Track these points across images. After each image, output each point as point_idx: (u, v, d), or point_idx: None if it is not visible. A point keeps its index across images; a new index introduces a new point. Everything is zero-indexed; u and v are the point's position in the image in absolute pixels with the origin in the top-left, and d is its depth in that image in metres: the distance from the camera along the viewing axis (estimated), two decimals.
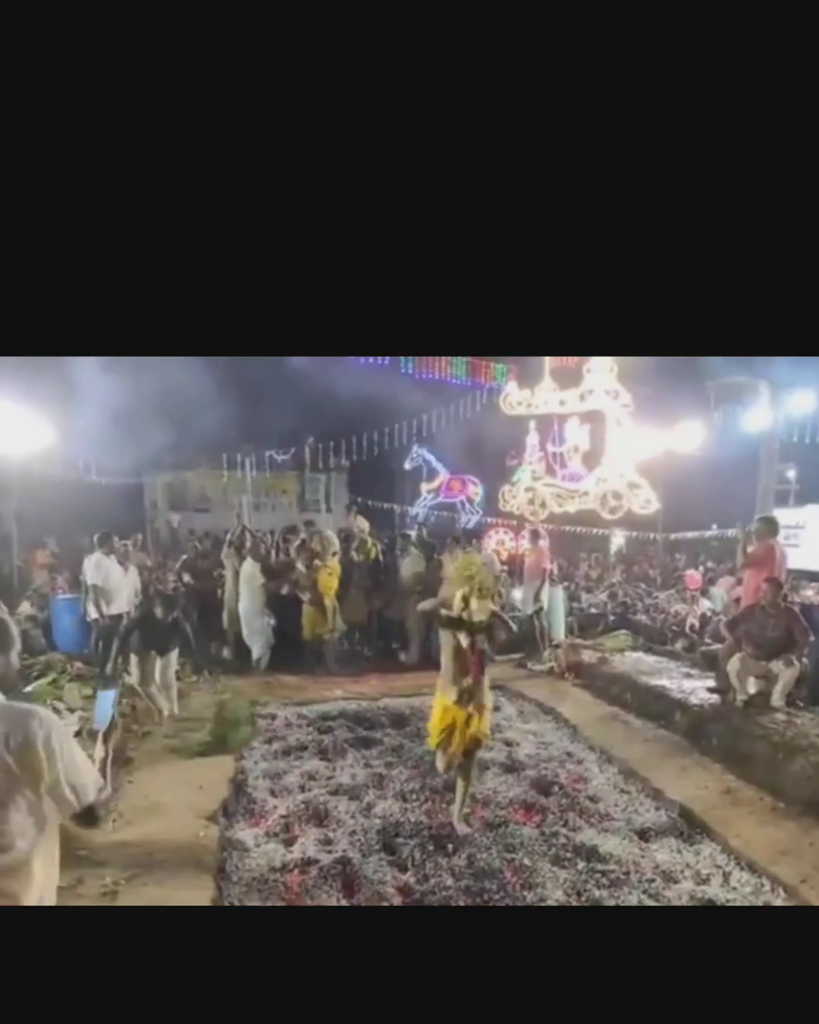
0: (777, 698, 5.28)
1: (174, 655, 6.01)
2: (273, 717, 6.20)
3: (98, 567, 6.80)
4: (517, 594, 8.90)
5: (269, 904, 3.29)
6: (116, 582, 6.93)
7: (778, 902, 3.29)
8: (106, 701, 2.24)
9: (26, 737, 1.57)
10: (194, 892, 3.24)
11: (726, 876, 3.54)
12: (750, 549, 5.91)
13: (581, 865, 3.63)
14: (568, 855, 3.72)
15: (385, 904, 3.30)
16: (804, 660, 5.41)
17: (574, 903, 3.28)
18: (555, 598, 8.49)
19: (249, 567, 7.75)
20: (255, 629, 7.78)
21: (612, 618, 9.12)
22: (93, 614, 6.86)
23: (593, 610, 9.54)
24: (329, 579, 7.71)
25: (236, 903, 3.30)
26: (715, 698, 5.73)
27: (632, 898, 3.31)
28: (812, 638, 5.37)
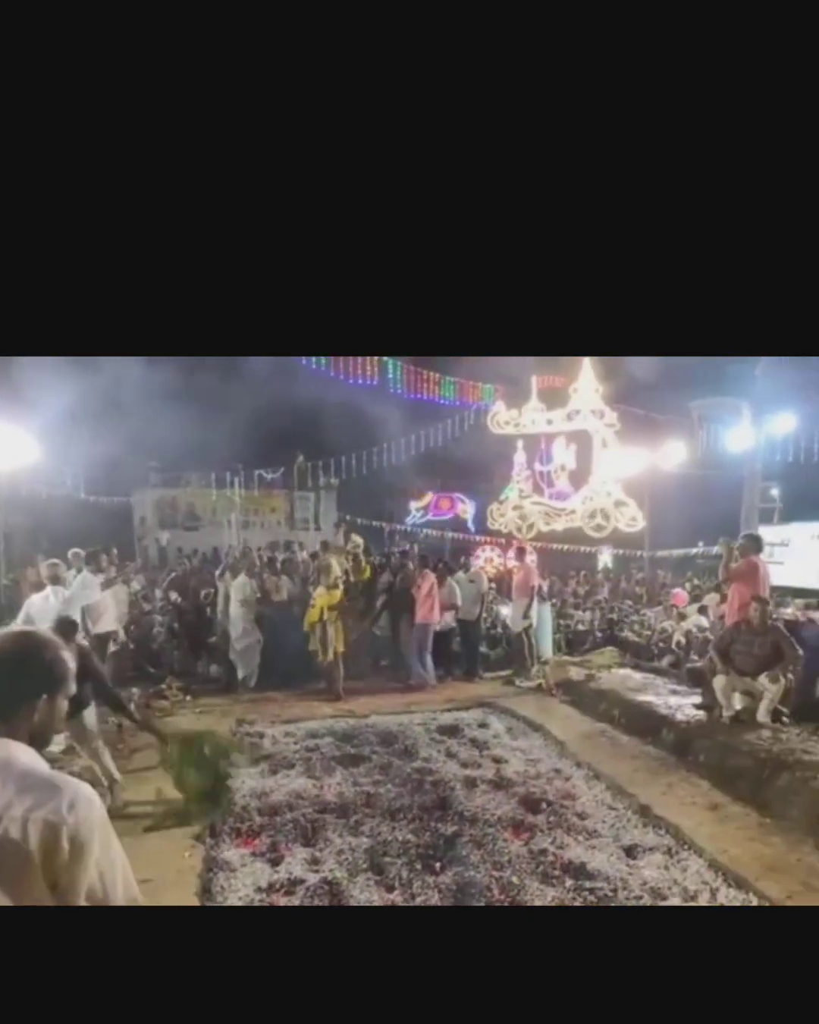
0: (763, 714, 5.31)
1: (91, 712, 4.58)
2: (261, 735, 6.17)
3: (84, 585, 6.77)
4: (506, 611, 8.93)
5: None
6: (102, 600, 6.90)
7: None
8: None
9: (48, 821, 1.18)
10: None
11: (713, 892, 3.54)
12: (733, 565, 5.97)
13: (569, 882, 3.61)
14: (556, 873, 3.71)
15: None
16: (789, 676, 5.45)
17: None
18: (543, 615, 8.52)
19: (240, 584, 7.74)
20: (243, 647, 7.75)
21: (599, 635, 9.16)
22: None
23: (581, 627, 9.57)
24: (322, 604, 7.42)
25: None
26: (701, 714, 5.76)
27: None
28: (800, 653, 5.42)
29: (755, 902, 3.42)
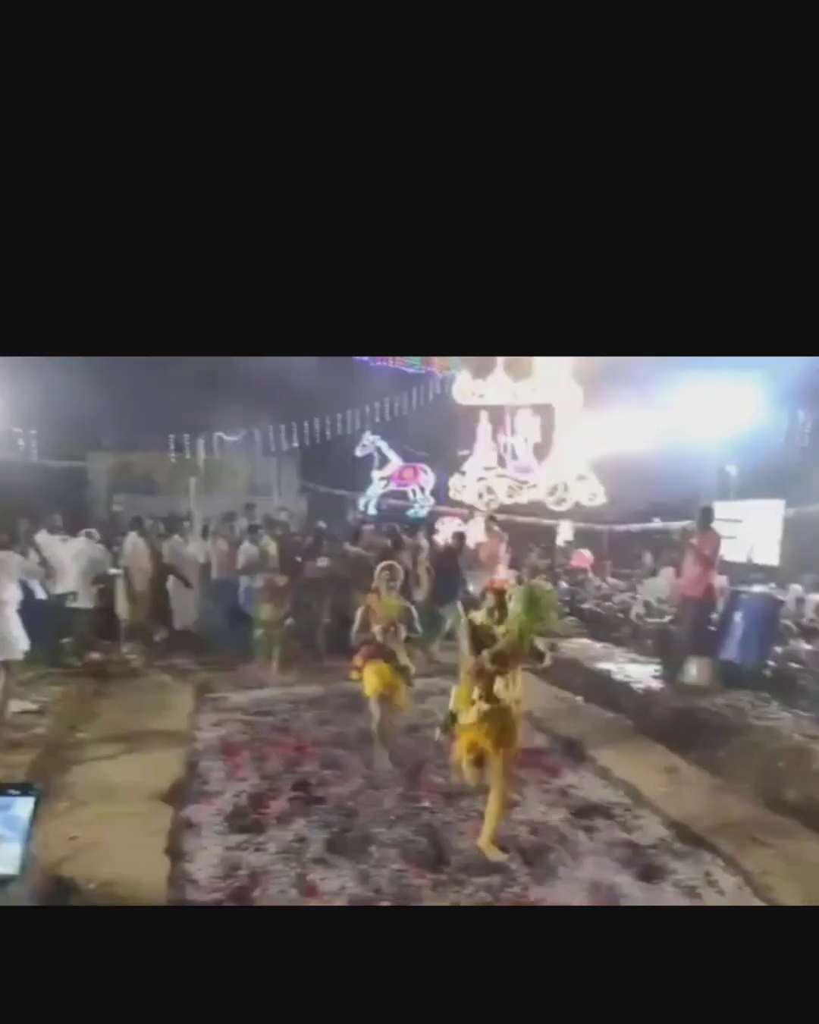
0: (709, 679, 5.52)
1: None
2: (226, 699, 6.19)
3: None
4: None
5: (228, 880, 3.31)
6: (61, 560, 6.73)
7: (718, 870, 3.47)
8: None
9: None
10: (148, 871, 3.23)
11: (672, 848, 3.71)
12: (695, 541, 6.13)
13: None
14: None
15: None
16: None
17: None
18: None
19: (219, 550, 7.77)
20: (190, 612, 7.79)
21: (561, 605, 9.31)
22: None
23: None
24: None
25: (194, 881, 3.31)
26: (658, 682, 5.95)
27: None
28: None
29: (708, 856, 3.60)
